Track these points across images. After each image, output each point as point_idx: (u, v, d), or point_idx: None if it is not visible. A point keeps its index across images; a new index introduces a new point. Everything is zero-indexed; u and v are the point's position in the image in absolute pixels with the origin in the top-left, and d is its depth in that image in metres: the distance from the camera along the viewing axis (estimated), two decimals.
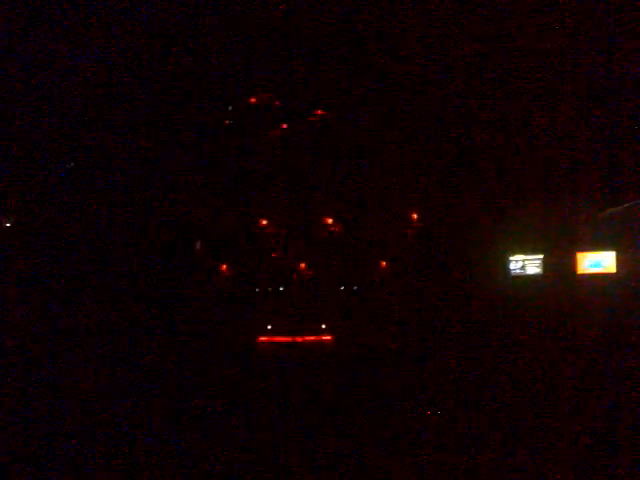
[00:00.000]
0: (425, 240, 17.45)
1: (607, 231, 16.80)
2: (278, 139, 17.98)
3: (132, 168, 17.17)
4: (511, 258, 17.40)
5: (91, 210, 16.91)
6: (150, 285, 16.36)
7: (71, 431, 10.93)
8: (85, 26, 14.74)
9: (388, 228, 17.62)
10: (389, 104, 17.00)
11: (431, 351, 15.23)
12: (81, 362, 14.25)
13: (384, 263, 17.71)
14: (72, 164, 17.35)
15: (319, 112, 17.73)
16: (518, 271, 17.40)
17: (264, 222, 17.84)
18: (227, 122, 17.95)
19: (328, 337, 16.78)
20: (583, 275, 16.86)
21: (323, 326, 16.95)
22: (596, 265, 16.71)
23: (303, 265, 17.86)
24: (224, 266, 17.64)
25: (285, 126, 17.97)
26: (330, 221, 17.78)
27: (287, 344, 16.67)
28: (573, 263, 16.93)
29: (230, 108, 17.96)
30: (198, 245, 17.64)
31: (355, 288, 17.47)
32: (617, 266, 16.60)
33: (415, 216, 17.66)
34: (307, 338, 16.72)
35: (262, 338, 16.75)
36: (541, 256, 17.20)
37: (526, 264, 17.31)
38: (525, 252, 17.37)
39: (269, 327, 16.94)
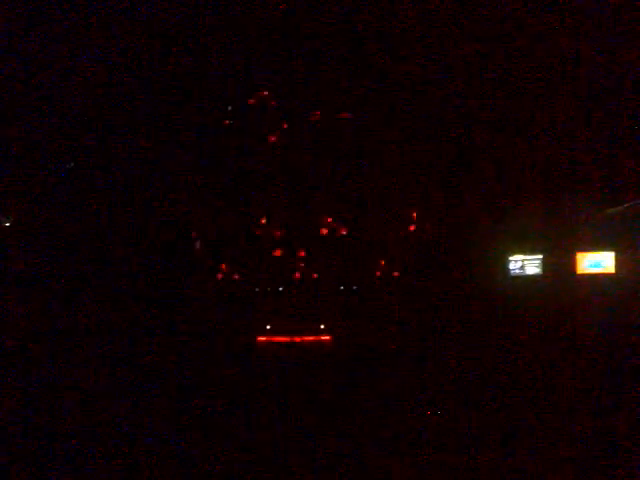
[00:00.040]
0: (424, 240, 17.45)
1: (606, 231, 16.80)
2: (278, 139, 17.99)
3: (132, 168, 17.18)
4: (510, 258, 17.40)
5: (91, 210, 16.92)
6: (150, 285, 16.36)
7: (71, 431, 10.94)
8: (85, 26, 14.74)
9: (387, 228, 17.62)
10: (389, 104, 17.00)
11: (431, 351, 15.24)
12: (81, 362, 14.25)
13: (383, 263, 17.72)
14: (72, 164, 17.35)
15: (319, 112, 17.74)
16: (517, 271, 17.40)
17: (264, 222, 17.85)
18: (227, 122, 17.95)
19: (327, 337, 16.78)
20: (583, 275, 16.86)
21: (322, 326, 16.96)
22: (596, 265, 16.72)
23: (302, 265, 17.87)
24: (223, 266, 17.64)
25: (285, 126, 17.98)
26: (329, 221, 17.78)
27: (286, 344, 16.68)
28: (573, 263, 16.93)
29: (230, 108, 17.96)
30: (198, 245, 17.64)
31: (354, 288, 17.47)
32: (616, 266, 16.61)
33: (414, 216, 17.66)
34: (306, 338, 16.73)
35: (261, 338, 16.76)
36: (540, 256, 17.19)
37: (525, 264, 17.30)
38: (524, 252, 17.36)
39: (268, 327, 16.94)
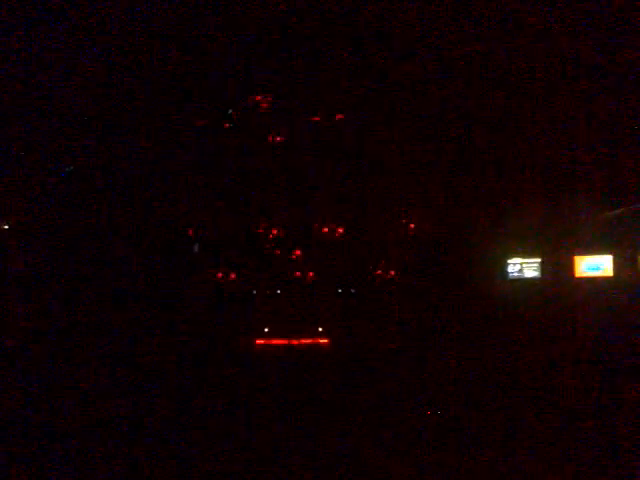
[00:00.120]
0: (424, 241, 17.45)
1: (604, 234, 16.85)
2: (277, 141, 18.00)
3: (132, 168, 17.18)
4: (509, 261, 17.41)
5: (91, 211, 16.91)
6: (149, 286, 16.36)
7: (71, 431, 10.94)
8: (85, 26, 14.75)
9: (386, 230, 17.62)
10: (389, 105, 17.02)
11: (430, 351, 15.27)
12: (81, 362, 14.25)
13: (382, 265, 17.71)
14: (71, 167, 17.34)
15: (319, 113, 17.75)
16: (516, 274, 17.42)
17: (263, 224, 17.84)
18: (227, 124, 17.95)
19: (325, 340, 16.78)
20: (580, 278, 16.89)
21: (320, 329, 16.95)
22: (594, 268, 16.76)
23: (301, 267, 17.85)
24: (222, 268, 17.63)
25: (285, 127, 17.98)
26: (328, 223, 17.77)
27: (284, 347, 16.68)
28: (571, 266, 16.96)
29: (230, 111, 17.96)
30: (196, 247, 17.63)
31: (353, 291, 17.45)
32: (614, 269, 16.65)
33: (413, 218, 17.66)
34: (304, 341, 16.73)
35: (259, 341, 16.75)
36: (539, 259, 17.21)
37: (524, 267, 17.33)
38: (523, 255, 17.38)
39: (266, 330, 16.93)
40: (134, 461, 9.79)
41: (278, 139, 17.92)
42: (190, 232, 17.49)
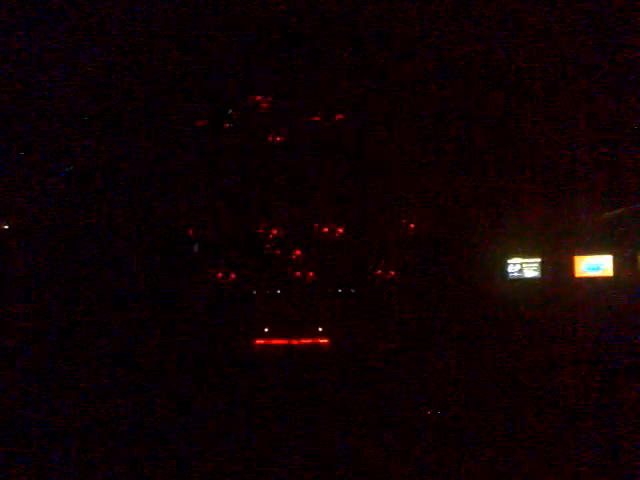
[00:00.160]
0: (423, 242, 17.45)
1: (604, 234, 16.85)
2: (277, 141, 17.99)
3: (132, 168, 17.17)
4: (509, 261, 17.42)
5: (91, 212, 16.90)
6: (149, 286, 16.36)
7: (71, 431, 10.94)
8: (85, 26, 14.74)
9: (386, 230, 17.61)
10: (389, 105, 17.01)
11: (430, 352, 15.27)
12: (81, 362, 14.25)
13: (382, 265, 17.70)
14: (71, 167, 17.33)
15: (319, 113, 17.75)
16: (516, 274, 17.41)
17: (263, 224, 17.83)
18: (227, 124, 17.94)
19: (325, 340, 16.78)
20: (580, 278, 16.90)
21: (320, 329, 16.95)
22: (594, 268, 16.76)
23: (301, 267, 17.84)
24: (222, 268, 17.62)
25: (285, 128, 17.98)
26: (329, 223, 17.76)
27: (284, 347, 16.67)
28: (571, 266, 16.96)
29: (230, 111, 17.95)
30: (196, 247, 17.62)
31: (353, 291, 17.44)
32: (614, 269, 16.66)
33: (413, 218, 17.65)
34: (304, 341, 16.73)
35: (259, 341, 16.75)
36: (539, 259, 17.21)
37: (524, 267, 17.33)
38: (523, 255, 17.38)
39: (266, 330, 16.92)
40: (134, 461, 9.79)
41: (278, 139, 17.91)
42: (190, 232, 17.49)
